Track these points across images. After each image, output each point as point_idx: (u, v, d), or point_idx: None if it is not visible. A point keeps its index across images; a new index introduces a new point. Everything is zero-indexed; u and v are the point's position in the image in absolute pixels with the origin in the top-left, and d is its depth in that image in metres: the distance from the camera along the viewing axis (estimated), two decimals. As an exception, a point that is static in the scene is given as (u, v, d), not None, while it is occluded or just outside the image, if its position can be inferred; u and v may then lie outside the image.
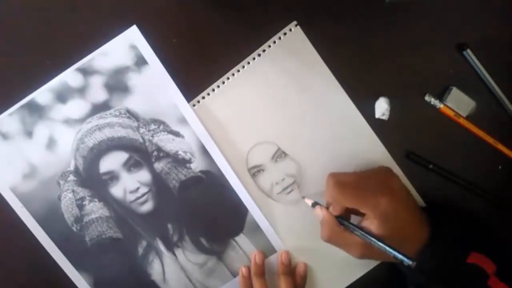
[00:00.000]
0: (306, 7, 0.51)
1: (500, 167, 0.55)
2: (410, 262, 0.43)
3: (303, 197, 0.54)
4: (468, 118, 0.53)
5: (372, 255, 0.49)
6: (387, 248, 0.45)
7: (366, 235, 0.46)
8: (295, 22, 0.52)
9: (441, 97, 0.53)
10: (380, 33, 0.52)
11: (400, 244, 0.45)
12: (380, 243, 0.45)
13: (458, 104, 0.53)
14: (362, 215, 0.48)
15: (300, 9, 0.51)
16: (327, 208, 0.50)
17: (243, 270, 0.56)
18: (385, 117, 0.53)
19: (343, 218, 0.49)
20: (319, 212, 0.50)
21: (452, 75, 0.53)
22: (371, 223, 0.47)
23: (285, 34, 0.52)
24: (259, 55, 0.52)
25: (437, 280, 0.48)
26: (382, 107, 0.52)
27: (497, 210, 0.55)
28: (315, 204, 0.52)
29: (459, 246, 0.48)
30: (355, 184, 0.49)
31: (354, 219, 0.50)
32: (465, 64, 0.53)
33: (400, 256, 0.44)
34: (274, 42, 0.52)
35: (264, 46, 0.52)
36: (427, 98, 0.52)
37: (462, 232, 0.49)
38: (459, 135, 0.54)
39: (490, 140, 0.54)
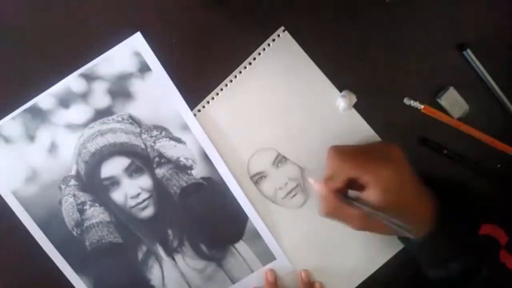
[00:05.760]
0: (291, 12, 0.52)
1: (498, 166, 0.55)
2: (410, 234, 0.43)
3: (306, 171, 0.53)
4: (460, 119, 0.53)
5: (371, 228, 0.48)
6: (388, 219, 0.44)
7: (366, 206, 0.45)
8: (282, 28, 0.52)
9: (436, 94, 0.53)
10: (379, 33, 0.52)
11: (403, 218, 0.45)
12: (380, 213, 0.44)
13: (451, 104, 0.53)
14: (361, 188, 0.47)
15: (285, 14, 0.52)
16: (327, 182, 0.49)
17: None
18: (347, 109, 0.53)
19: (342, 193, 0.48)
20: (318, 186, 0.49)
21: (452, 75, 0.53)
22: (373, 194, 0.45)
23: (273, 40, 0.52)
24: (250, 63, 0.53)
25: (450, 255, 0.47)
26: (346, 100, 0.52)
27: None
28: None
29: (469, 218, 0.47)
30: (357, 154, 0.48)
31: (352, 194, 0.49)
32: (465, 64, 0.53)
33: (401, 227, 0.43)
34: (264, 49, 0.53)
35: (254, 54, 0.53)
36: (406, 101, 0.52)
37: (472, 205, 0.48)
38: (459, 134, 0.54)
39: (485, 138, 0.53)
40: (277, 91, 0.54)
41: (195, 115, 0.53)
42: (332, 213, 0.48)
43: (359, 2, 0.52)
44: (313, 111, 0.54)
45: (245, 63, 0.53)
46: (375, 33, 0.52)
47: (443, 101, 0.53)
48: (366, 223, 0.47)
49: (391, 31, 0.52)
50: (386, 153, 0.48)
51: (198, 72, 0.53)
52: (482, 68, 0.52)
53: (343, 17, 0.52)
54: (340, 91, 0.53)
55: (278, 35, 0.52)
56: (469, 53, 0.52)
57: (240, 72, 0.53)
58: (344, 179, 0.47)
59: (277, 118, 0.54)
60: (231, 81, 0.53)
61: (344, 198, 0.47)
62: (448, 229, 0.47)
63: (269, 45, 0.52)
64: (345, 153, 0.48)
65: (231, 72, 0.53)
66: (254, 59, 0.53)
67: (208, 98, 0.53)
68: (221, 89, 0.53)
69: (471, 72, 0.53)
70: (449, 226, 0.47)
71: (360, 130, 0.54)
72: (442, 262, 0.47)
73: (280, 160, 0.55)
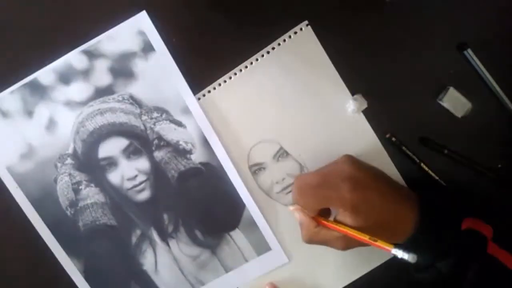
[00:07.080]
0: (318, 8, 0.51)
1: (499, 166, 0.55)
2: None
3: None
4: (463, 118, 0.53)
5: (357, 245, 0.47)
6: (366, 239, 0.43)
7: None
8: (306, 22, 0.51)
9: (438, 96, 0.53)
10: (380, 33, 0.52)
11: (389, 230, 0.44)
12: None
13: (454, 104, 0.53)
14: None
15: (312, 10, 0.51)
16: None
17: None
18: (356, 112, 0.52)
19: (323, 215, 0.48)
20: (296, 215, 0.49)
21: (452, 75, 0.53)
22: (345, 217, 0.45)
23: (295, 33, 0.52)
24: (268, 52, 0.52)
25: (435, 255, 0.46)
26: (357, 104, 0.52)
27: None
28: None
29: (450, 215, 0.46)
30: (316, 184, 0.47)
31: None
32: (465, 64, 0.53)
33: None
34: (284, 40, 0.52)
35: (274, 44, 0.52)
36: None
37: (452, 201, 0.48)
38: (459, 134, 0.54)
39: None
40: (288, 85, 0.53)
41: (199, 99, 0.53)
42: (314, 239, 0.49)
43: (359, 2, 0.52)
44: (321, 110, 0.53)
45: (263, 51, 0.52)
46: (375, 33, 0.52)
47: (445, 102, 0.53)
48: (350, 242, 0.47)
49: (391, 31, 0.52)
50: (340, 172, 0.47)
51: (208, 57, 0.52)
52: (482, 68, 0.52)
53: (364, 19, 0.52)
54: (352, 94, 0.53)
55: (301, 29, 0.51)
56: (469, 53, 0.52)
57: (255, 61, 0.52)
58: (315, 211, 0.48)
59: (285, 112, 0.53)
60: (240, 70, 0.52)
61: (323, 223, 0.48)
62: (430, 230, 0.46)
63: (290, 37, 0.52)
64: (306, 188, 0.48)
65: (243, 61, 0.52)
66: (273, 48, 0.52)
67: (215, 84, 0.53)
68: (230, 77, 0.52)
69: (471, 72, 0.53)
70: (431, 227, 0.46)
71: (364, 136, 0.54)
72: (430, 264, 0.46)
73: (281, 154, 0.54)
